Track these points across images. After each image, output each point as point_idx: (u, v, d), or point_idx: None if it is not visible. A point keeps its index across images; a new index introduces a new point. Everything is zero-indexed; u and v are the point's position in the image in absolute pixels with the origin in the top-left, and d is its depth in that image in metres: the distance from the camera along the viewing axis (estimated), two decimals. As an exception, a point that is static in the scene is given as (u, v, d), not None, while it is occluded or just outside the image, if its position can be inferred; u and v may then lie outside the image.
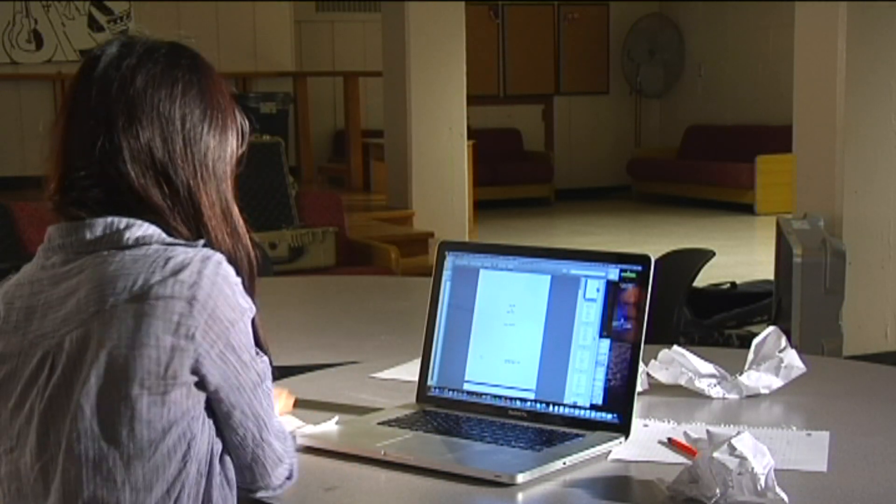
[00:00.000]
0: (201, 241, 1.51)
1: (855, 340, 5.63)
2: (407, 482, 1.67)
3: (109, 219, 1.48)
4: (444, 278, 1.98)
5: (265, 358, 1.54)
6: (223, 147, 1.56)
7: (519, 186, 12.77)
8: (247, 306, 1.49)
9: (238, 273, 1.51)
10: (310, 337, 2.91)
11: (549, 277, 1.89)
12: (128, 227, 1.48)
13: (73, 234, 1.49)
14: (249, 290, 1.54)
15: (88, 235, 1.48)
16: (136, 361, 1.41)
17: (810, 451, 1.75)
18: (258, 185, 6.05)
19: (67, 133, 1.51)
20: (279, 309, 3.27)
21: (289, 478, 1.58)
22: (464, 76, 8.05)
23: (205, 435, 1.47)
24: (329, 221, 6.25)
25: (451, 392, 1.95)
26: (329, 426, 1.84)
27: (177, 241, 1.49)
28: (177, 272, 1.43)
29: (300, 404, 2.03)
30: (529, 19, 13.37)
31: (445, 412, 1.92)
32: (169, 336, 1.41)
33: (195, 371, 1.44)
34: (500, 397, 1.90)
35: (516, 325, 1.90)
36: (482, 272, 1.95)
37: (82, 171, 1.49)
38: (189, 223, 1.52)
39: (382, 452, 1.73)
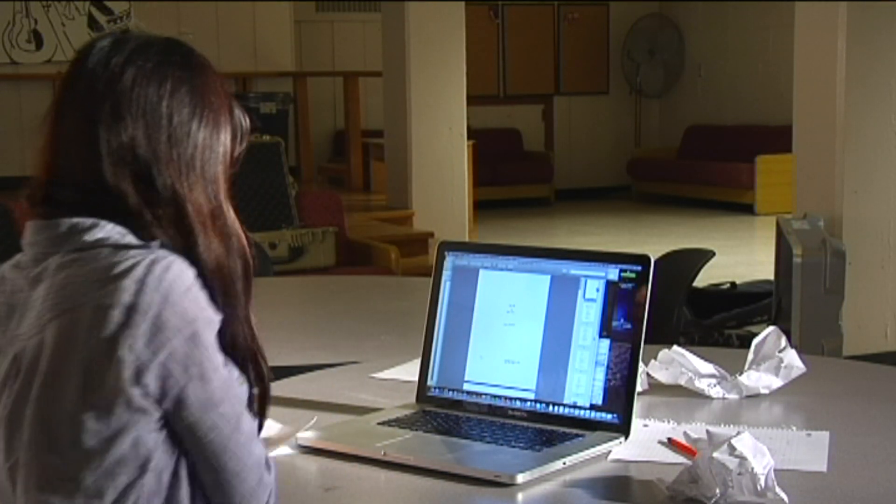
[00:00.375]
0: (156, 243, 1.43)
1: (855, 340, 5.63)
2: (407, 482, 1.67)
3: (76, 220, 1.43)
4: (444, 278, 1.98)
5: (231, 374, 1.45)
6: (214, 147, 1.50)
7: (519, 186, 12.77)
8: (196, 314, 1.39)
9: (228, 279, 1.46)
10: (310, 337, 2.91)
11: (548, 277, 1.89)
12: (91, 227, 1.43)
13: (42, 232, 1.46)
14: (245, 293, 1.49)
15: (54, 235, 1.44)
16: (76, 372, 1.37)
17: (810, 451, 1.75)
18: (258, 185, 6.05)
19: (55, 129, 1.48)
20: (279, 309, 3.27)
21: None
22: (464, 76, 8.05)
23: (167, 445, 1.42)
24: (329, 221, 6.25)
25: (450, 392, 1.95)
26: (309, 431, 1.82)
27: (131, 243, 1.42)
28: (119, 278, 1.37)
29: (300, 404, 2.03)
30: (529, 19, 13.37)
31: (445, 412, 1.92)
32: (107, 346, 1.36)
33: (136, 382, 1.37)
34: (499, 397, 1.90)
35: (516, 325, 1.90)
36: (482, 272, 1.95)
37: (65, 168, 1.46)
38: (172, 226, 1.45)
39: (382, 452, 1.73)
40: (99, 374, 1.36)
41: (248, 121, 1.58)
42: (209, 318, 1.41)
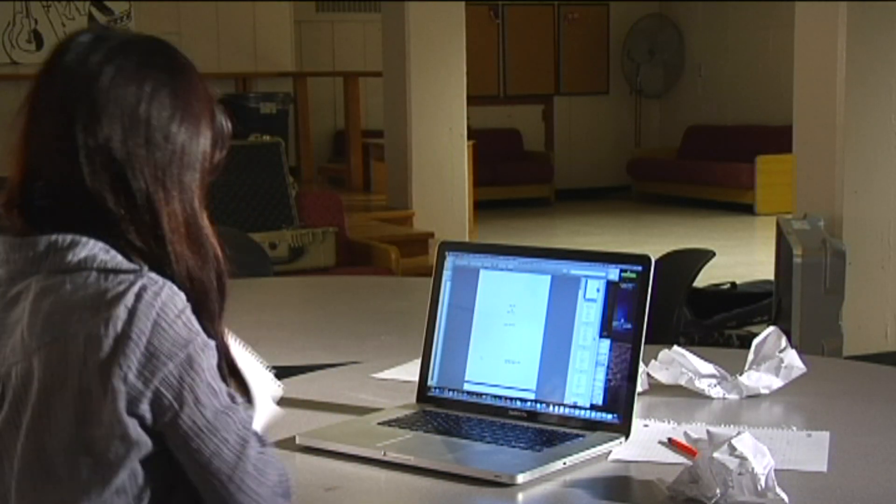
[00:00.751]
0: (145, 268, 1.38)
1: (855, 340, 5.63)
2: (407, 482, 1.67)
3: (54, 237, 1.38)
4: (444, 278, 1.98)
5: (235, 399, 1.41)
6: (193, 152, 1.43)
7: (519, 186, 12.76)
8: (189, 338, 1.36)
9: (200, 292, 1.41)
10: (310, 337, 2.90)
11: (549, 277, 1.89)
12: (72, 245, 1.37)
13: (18, 251, 1.40)
14: (219, 305, 1.43)
15: (31, 255, 1.38)
16: (70, 404, 1.33)
17: (810, 451, 1.75)
18: (258, 185, 6.04)
19: (29, 127, 1.42)
20: (279, 309, 3.27)
21: None
22: (464, 76, 8.05)
23: (164, 474, 1.39)
24: (329, 221, 6.25)
25: (451, 392, 1.95)
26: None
27: (119, 266, 1.37)
28: (109, 306, 1.33)
29: (300, 404, 2.03)
30: (529, 19, 13.37)
31: (445, 412, 1.92)
32: (100, 377, 1.32)
33: (132, 413, 1.34)
34: (500, 397, 1.90)
35: (516, 326, 1.90)
36: (482, 272, 1.95)
37: (41, 170, 1.40)
38: (146, 234, 1.39)
39: (382, 452, 1.73)
40: (93, 406, 1.33)
41: (230, 126, 1.52)
42: (204, 342, 1.38)
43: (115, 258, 1.37)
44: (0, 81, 10.00)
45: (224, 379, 1.43)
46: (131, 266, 1.38)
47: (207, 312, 1.42)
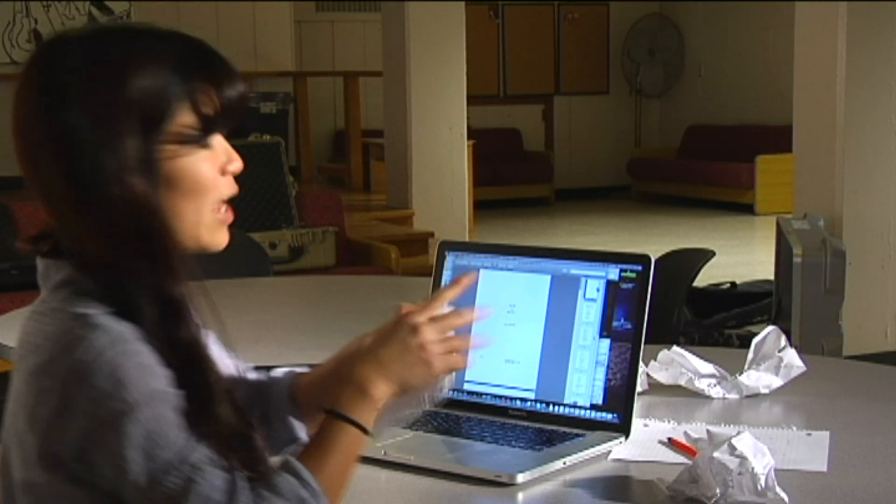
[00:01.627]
0: (95, 312, 1.24)
1: (855, 340, 5.63)
2: (407, 482, 1.67)
3: (46, 261, 1.32)
4: (444, 278, 1.98)
5: (179, 460, 1.21)
6: (107, 158, 1.26)
7: (519, 186, 12.77)
8: (109, 395, 1.19)
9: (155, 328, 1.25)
10: (310, 337, 2.90)
11: (549, 277, 1.89)
12: (51, 271, 1.31)
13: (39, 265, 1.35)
14: (186, 336, 1.26)
15: (39, 273, 1.34)
16: (17, 444, 1.28)
17: (810, 451, 1.75)
18: (258, 184, 6.05)
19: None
20: (279, 309, 3.27)
21: None
22: (464, 76, 8.05)
23: None
24: (329, 221, 6.25)
25: (451, 392, 1.94)
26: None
27: (68, 306, 1.26)
28: (41, 351, 1.24)
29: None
30: (529, 19, 13.37)
31: (445, 412, 1.92)
32: (26, 424, 1.25)
33: (57, 466, 1.23)
34: (500, 397, 1.90)
35: (516, 325, 1.90)
36: (482, 272, 1.95)
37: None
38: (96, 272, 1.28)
39: (382, 452, 1.73)
40: (27, 452, 1.26)
41: (235, 89, 1.36)
42: (134, 402, 1.19)
43: (79, 292, 1.27)
44: (0, 81, 10.02)
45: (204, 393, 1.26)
46: (83, 308, 1.25)
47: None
